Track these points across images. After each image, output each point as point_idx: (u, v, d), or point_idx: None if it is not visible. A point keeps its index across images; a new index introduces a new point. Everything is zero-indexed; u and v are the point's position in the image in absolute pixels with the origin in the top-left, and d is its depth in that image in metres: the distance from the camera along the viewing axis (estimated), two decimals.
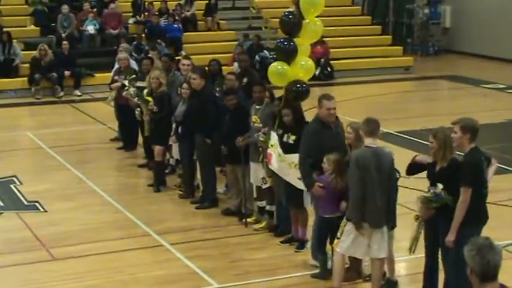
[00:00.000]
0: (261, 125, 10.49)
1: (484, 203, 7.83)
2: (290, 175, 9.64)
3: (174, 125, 12.24)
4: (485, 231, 7.61)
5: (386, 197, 8.21)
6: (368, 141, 8.26)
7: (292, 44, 10.10)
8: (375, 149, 8.23)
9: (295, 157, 9.47)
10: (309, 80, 10.62)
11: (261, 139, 10.23)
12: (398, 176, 8.67)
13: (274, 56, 10.62)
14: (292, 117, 9.80)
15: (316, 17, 10.46)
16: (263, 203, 10.93)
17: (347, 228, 8.33)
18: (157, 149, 12.60)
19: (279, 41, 10.25)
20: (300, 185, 9.51)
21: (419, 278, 8.50)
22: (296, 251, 9.98)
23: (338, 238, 8.45)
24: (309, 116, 10.51)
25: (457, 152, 8.04)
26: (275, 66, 10.15)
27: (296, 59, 10.18)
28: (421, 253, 8.47)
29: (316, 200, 9.28)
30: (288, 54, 10.12)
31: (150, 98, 12.51)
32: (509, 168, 13.50)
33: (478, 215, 7.68)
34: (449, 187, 7.71)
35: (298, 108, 10.13)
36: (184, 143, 11.90)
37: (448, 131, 7.99)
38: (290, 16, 10.13)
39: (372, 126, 8.31)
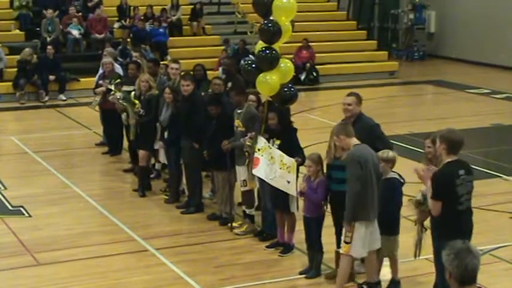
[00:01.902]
0: (244, 129, 10.50)
1: (462, 219, 7.52)
2: (277, 178, 9.62)
3: (159, 130, 12.23)
4: None
5: (377, 190, 8.34)
6: (354, 141, 8.33)
7: (274, 52, 10.13)
8: (365, 146, 8.30)
9: (290, 161, 9.47)
10: (294, 85, 10.64)
11: (248, 143, 10.24)
12: (402, 182, 8.71)
13: (249, 62, 10.63)
14: (277, 121, 9.82)
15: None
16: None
17: (358, 231, 8.31)
18: (141, 153, 12.58)
19: (260, 49, 10.26)
20: (288, 189, 9.51)
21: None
22: (280, 256, 9.98)
23: (347, 243, 8.37)
24: (295, 120, 10.54)
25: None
26: (263, 76, 10.15)
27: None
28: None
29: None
30: (271, 62, 10.15)
31: (137, 101, 12.50)
32: (493, 173, 13.57)
33: (454, 231, 7.32)
34: None
35: (285, 113, 10.15)
36: (172, 148, 11.88)
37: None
38: (269, 24, 10.16)
39: (349, 128, 8.44)
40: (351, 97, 9.26)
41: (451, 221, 7.42)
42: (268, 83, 10.09)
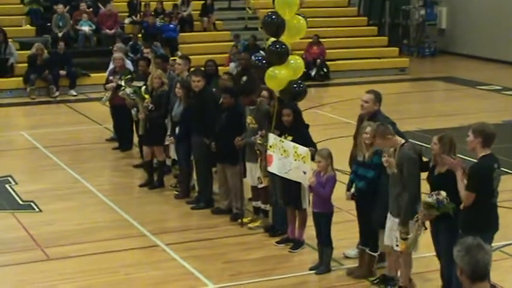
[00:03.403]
0: (256, 125, 10.49)
1: (493, 212, 7.67)
2: (292, 170, 9.58)
3: (170, 125, 12.24)
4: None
5: None
6: (400, 139, 8.39)
7: (284, 46, 10.12)
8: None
9: (304, 150, 9.44)
10: (305, 81, 10.63)
11: (259, 141, 10.22)
12: None
13: (260, 57, 10.64)
14: (293, 117, 9.81)
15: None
16: (258, 203, 10.94)
17: (412, 227, 8.29)
18: (157, 149, 12.61)
19: (270, 43, 10.27)
20: (304, 180, 9.47)
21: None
22: (290, 252, 9.98)
23: (404, 239, 8.30)
24: (305, 117, 10.52)
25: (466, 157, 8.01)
26: (272, 71, 10.14)
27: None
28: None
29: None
30: (280, 57, 10.15)
31: (147, 96, 12.51)
32: (504, 170, 13.49)
33: (486, 224, 7.54)
34: (448, 193, 7.67)
35: (299, 109, 10.14)
36: (183, 144, 11.89)
37: (454, 136, 8.02)
38: (273, 17, 10.15)
39: (389, 126, 8.50)
40: (368, 94, 9.27)
41: (485, 214, 7.53)
42: (277, 77, 10.07)
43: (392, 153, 8.28)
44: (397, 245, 8.43)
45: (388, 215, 8.47)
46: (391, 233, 8.47)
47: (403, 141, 8.37)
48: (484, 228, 7.43)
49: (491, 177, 7.50)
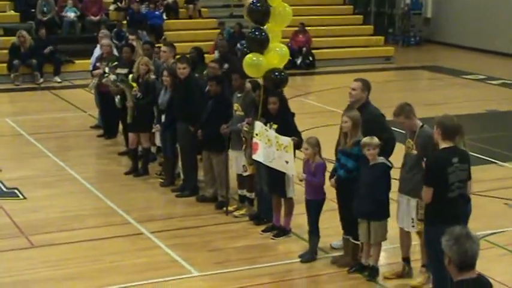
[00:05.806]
0: (242, 113, 10.47)
1: (452, 206, 7.39)
2: (276, 160, 9.58)
3: (156, 113, 12.20)
4: None
5: None
6: (419, 121, 8.58)
7: (263, 33, 10.11)
8: None
9: (286, 140, 9.43)
10: (290, 69, 10.62)
11: (245, 129, 10.21)
12: (390, 166, 8.71)
13: (247, 46, 10.64)
14: (279, 105, 9.79)
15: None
16: (244, 191, 10.94)
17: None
18: (143, 136, 12.57)
19: (250, 30, 10.24)
20: (287, 169, 9.50)
21: None
22: (272, 239, 9.99)
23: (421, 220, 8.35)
24: (291, 105, 10.51)
25: None
26: (250, 58, 10.12)
27: (270, 46, 10.19)
28: None
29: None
30: (260, 44, 10.13)
31: (134, 84, 12.45)
32: (489, 159, 13.59)
33: (444, 218, 7.20)
34: None
35: (285, 98, 10.12)
36: (169, 132, 11.85)
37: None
38: (258, 4, 10.13)
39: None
40: (356, 82, 9.31)
41: (441, 208, 7.36)
42: (255, 64, 10.06)
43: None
44: (413, 226, 8.49)
45: (401, 199, 8.56)
46: (407, 215, 8.51)
47: (421, 123, 8.45)
48: (444, 223, 7.20)
49: (445, 171, 7.27)
